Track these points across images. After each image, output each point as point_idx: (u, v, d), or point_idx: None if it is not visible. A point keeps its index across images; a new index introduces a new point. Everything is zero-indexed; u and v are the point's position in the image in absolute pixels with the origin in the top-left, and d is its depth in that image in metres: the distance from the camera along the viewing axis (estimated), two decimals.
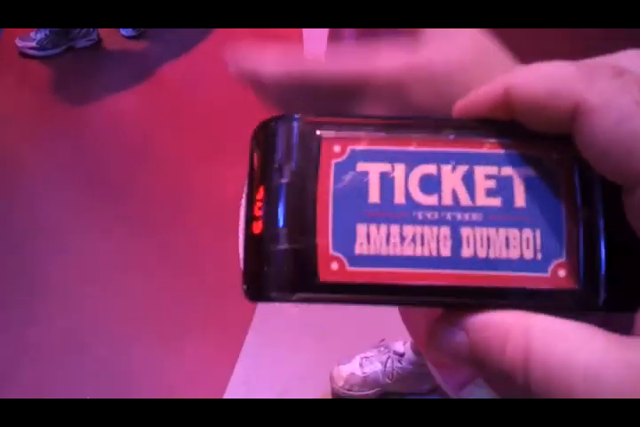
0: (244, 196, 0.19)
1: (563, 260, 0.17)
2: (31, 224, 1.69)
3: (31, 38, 2.18)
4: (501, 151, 0.18)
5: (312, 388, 1.28)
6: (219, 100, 1.97)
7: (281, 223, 0.18)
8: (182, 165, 1.80)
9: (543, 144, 0.18)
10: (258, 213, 0.18)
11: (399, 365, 1.22)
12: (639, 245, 0.17)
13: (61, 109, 2.01)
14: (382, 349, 1.26)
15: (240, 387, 1.32)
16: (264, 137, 0.19)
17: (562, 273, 0.17)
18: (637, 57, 0.17)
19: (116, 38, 2.26)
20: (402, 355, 1.23)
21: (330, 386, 1.27)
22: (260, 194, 0.18)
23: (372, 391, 1.25)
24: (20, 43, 2.19)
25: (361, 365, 1.25)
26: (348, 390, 1.25)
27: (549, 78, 0.16)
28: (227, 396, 1.31)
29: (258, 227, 0.18)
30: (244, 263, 0.18)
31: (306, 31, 2.21)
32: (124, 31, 2.26)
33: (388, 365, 1.23)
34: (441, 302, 0.18)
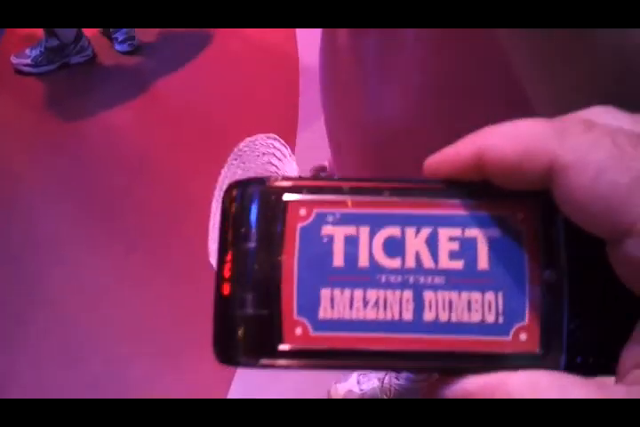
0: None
1: (524, 323, 0.17)
2: (29, 236, 1.69)
3: (26, 55, 2.19)
4: (466, 212, 0.18)
5: None
6: (213, 114, 1.98)
7: (248, 288, 0.18)
8: (178, 177, 1.80)
9: (510, 203, 0.17)
10: (227, 274, 0.18)
11: (397, 381, 1.21)
12: (602, 310, 0.17)
13: (58, 124, 2.02)
14: None
15: None
16: (232, 201, 0.19)
17: (523, 337, 0.17)
18: (603, 113, 0.17)
19: (110, 54, 2.27)
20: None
21: None
22: (229, 256, 0.18)
23: None
24: (15, 60, 2.20)
25: (358, 382, 1.24)
26: None
27: (521, 139, 0.16)
28: None
29: (226, 289, 0.18)
30: (213, 325, 0.18)
31: (300, 34, 2.23)
32: (118, 47, 2.27)
33: (386, 381, 1.22)
34: (403, 366, 0.18)
